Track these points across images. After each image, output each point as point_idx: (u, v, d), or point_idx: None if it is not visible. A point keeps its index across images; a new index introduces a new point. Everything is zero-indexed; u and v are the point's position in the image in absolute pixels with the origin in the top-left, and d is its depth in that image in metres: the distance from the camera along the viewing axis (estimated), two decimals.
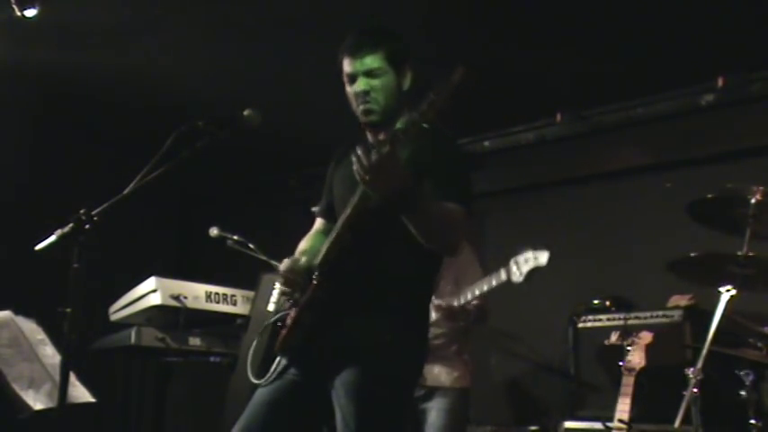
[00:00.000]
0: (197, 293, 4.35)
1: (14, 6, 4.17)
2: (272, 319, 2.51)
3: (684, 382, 3.29)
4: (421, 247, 2.16)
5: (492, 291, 3.77)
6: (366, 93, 2.31)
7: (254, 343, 2.55)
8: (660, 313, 4.33)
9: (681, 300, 4.34)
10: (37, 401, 3.09)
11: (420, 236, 2.14)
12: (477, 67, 1.91)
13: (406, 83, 2.37)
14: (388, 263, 2.26)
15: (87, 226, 2.27)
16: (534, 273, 3.62)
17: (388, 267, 2.26)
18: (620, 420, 3.68)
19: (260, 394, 2.34)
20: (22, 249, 2.66)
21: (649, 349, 3.84)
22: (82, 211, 2.29)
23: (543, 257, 3.59)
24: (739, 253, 3.16)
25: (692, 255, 3.31)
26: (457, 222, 2.17)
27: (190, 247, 6.90)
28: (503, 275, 3.69)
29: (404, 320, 2.26)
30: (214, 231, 4.26)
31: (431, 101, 1.91)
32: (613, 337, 4.16)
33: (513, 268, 3.64)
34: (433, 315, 3.74)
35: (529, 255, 3.63)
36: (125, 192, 2.40)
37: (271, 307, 4.01)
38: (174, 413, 5.24)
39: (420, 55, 4.69)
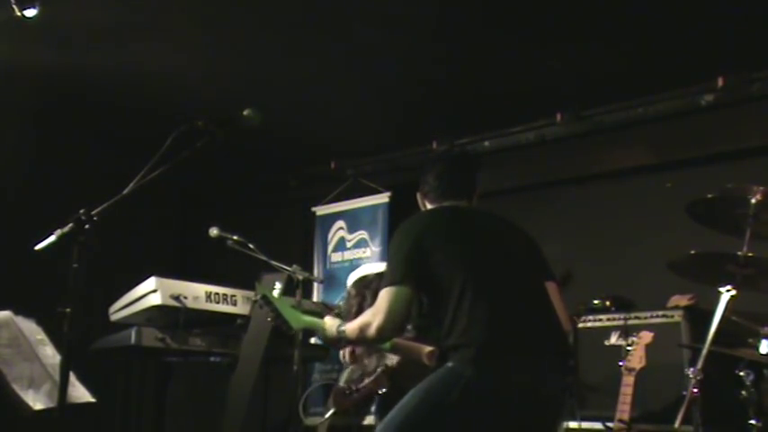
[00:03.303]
0: (197, 293, 4.34)
1: (14, 6, 4.16)
2: None
3: (684, 382, 3.30)
4: (432, 313, 2.64)
5: None
6: None
7: None
8: (660, 313, 4.33)
9: (681, 300, 4.34)
10: (37, 401, 3.08)
11: None
12: None
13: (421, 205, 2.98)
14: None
15: (87, 226, 2.28)
16: None
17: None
18: (620, 420, 3.68)
19: None
20: (22, 249, 2.66)
21: (649, 349, 3.83)
22: (82, 211, 2.29)
23: None
24: (739, 253, 3.16)
25: (693, 252, 3.31)
26: (369, 320, 2.58)
27: (190, 247, 6.90)
28: None
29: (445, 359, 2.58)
30: (214, 231, 4.24)
31: None
32: (613, 337, 4.16)
33: None
34: None
35: None
36: (125, 192, 2.40)
37: None
38: (174, 413, 5.24)
39: (424, 55, 4.77)
